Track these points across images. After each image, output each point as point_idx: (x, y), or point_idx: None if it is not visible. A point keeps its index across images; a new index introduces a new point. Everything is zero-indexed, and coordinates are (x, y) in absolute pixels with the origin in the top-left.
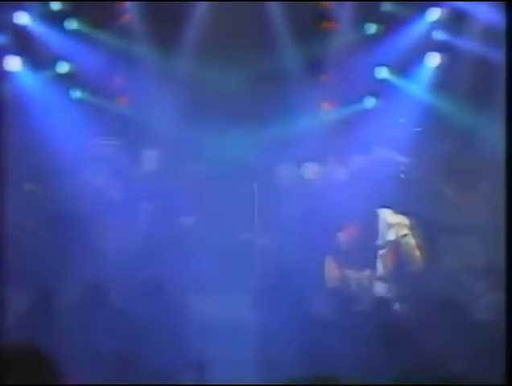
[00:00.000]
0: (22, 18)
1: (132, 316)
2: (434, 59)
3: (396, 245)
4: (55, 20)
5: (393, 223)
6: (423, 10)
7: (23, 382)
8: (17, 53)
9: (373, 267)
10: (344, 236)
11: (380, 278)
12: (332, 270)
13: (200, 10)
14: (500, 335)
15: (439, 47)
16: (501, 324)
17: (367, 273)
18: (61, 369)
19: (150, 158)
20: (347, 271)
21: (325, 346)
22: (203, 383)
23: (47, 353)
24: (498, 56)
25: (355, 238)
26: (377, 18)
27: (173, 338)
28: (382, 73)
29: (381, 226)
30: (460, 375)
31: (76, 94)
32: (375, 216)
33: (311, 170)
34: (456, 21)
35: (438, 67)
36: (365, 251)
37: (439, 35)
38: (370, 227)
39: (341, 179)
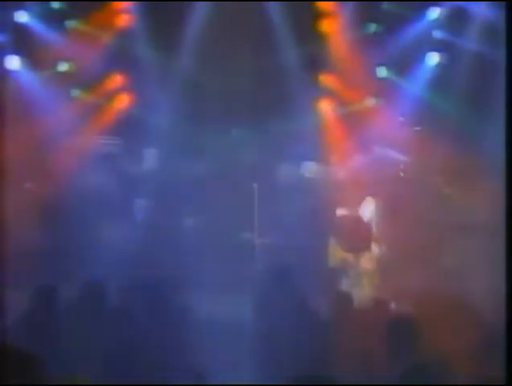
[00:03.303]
0: (22, 18)
1: (131, 316)
2: (434, 59)
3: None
4: (55, 20)
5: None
6: (422, 10)
7: (23, 382)
8: (17, 52)
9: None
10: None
11: (377, 274)
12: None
13: (200, 10)
14: (501, 335)
15: (439, 47)
16: (502, 323)
17: (364, 266)
18: (61, 368)
19: (150, 157)
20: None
21: (325, 345)
22: (202, 383)
23: (41, 356)
24: (498, 56)
25: (353, 229)
26: (377, 17)
27: (172, 338)
28: (382, 72)
29: (370, 215)
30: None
31: (76, 93)
32: (369, 210)
33: (311, 169)
34: (456, 20)
35: (438, 67)
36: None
37: (439, 35)
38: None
39: (341, 179)
